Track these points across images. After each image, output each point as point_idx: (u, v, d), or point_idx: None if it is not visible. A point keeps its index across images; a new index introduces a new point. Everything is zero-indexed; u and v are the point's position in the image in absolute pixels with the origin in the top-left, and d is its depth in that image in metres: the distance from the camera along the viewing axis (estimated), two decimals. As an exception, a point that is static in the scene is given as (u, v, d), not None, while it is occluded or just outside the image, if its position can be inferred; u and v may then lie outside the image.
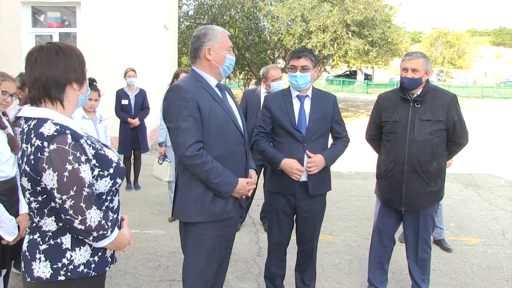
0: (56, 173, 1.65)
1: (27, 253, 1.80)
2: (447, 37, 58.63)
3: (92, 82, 4.68)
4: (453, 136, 3.36)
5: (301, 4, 18.16)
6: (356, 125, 17.09)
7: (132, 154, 7.09)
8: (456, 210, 6.30)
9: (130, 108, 6.89)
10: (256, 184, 2.90)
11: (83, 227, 1.70)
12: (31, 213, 1.80)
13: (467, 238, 5.20)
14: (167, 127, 2.54)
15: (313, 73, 3.18)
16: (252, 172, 2.79)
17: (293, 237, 3.42)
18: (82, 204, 1.68)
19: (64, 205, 1.67)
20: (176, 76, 5.33)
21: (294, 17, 18.32)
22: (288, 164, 3.08)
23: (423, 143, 3.27)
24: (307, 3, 18.19)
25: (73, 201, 1.67)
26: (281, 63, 22.66)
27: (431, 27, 73.60)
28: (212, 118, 2.49)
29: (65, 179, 1.66)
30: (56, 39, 10.23)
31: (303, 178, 3.15)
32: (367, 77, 44.18)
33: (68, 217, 1.68)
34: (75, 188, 1.66)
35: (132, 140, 6.91)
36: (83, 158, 1.71)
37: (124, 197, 6.53)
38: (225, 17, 20.58)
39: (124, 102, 6.85)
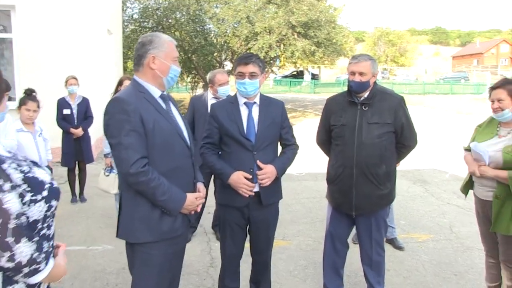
0: None
1: None
2: (389, 36, 60.76)
3: (30, 92, 4.41)
4: (402, 139, 3.36)
5: (246, 6, 18.15)
6: (305, 125, 17.27)
7: (77, 166, 6.76)
8: (406, 207, 6.43)
9: (73, 118, 6.56)
10: (206, 192, 2.80)
11: (12, 265, 1.50)
12: None
13: (418, 235, 5.30)
14: (109, 143, 2.38)
15: (261, 79, 3.10)
16: (200, 186, 2.67)
17: (247, 244, 3.33)
18: (9, 239, 1.48)
19: None
20: (120, 83, 5.11)
21: (239, 19, 18.28)
22: (235, 180, 2.98)
23: (371, 146, 3.24)
24: (253, 5, 18.21)
25: None
26: (228, 65, 22.56)
27: (373, 27, 75.91)
28: (156, 131, 2.36)
29: None
30: (-11, 45, 9.67)
31: (256, 188, 3.06)
32: (314, 76, 44.86)
33: None
34: None
35: (76, 151, 6.56)
36: (6, 186, 1.51)
37: (69, 211, 6.22)
38: (170, 20, 20.26)
39: (66, 111, 6.51)
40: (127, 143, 2.27)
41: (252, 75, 3.03)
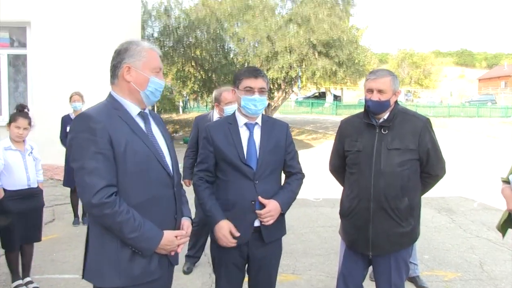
0: None
1: None
2: (413, 58, 60.07)
3: (22, 108, 4.11)
4: (428, 167, 2.90)
5: (267, 25, 17.89)
6: (325, 147, 16.78)
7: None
8: (430, 239, 5.89)
9: (76, 136, 6.26)
10: None
11: None
12: None
13: (443, 273, 4.76)
14: (71, 167, 2.01)
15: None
16: (184, 222, 2.27)
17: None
18: None
19: None
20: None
21: (260, 38, 18.04)
22: (220, 231, 2.61)
23: (391, 175, 2.79)
24: (273, 24, 17.96)
25: None
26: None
27: (397, 49, 75.25)
28: (128, 155, 1.99)
29: None
30: (4, 61, 9.58)
31: (256, 223, 2.65)
32: (336, 98, 44.38)
33: None
34: None
35: (79, 171, 6.25)
36: None
37: (69, 233, 5.89)
38: (190, 39, 20.16)
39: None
40: (91, 168, 1.91)
41: (262, 91, 2.66)
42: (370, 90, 2.85)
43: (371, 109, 2.87)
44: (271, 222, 2.62)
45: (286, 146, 2.80)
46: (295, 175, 2.84)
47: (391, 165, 2.80)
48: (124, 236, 1.95)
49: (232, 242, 2.62)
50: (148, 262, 2.05)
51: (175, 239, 2.10)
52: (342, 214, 3.06)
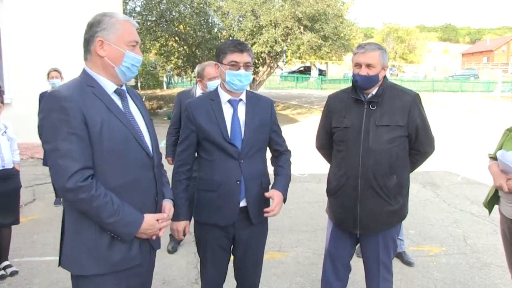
0: None
1: None
2: (398, 33, 60.08)
3: None
4: (417, 144, 2.81)
5: (251, -1, 17.58)
6: (310, 122, 16.73)
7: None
8: (415, 214, 5.89)
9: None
10: None
11: None
12: None
13: (429, 248, 4.78)
14: (43, 149, 1.88)
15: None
16: (166, 205, 2.17)
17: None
18: None
19: None
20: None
21: (244, 12, 17.72)
22: (177, 226, 2.60)
23: (380, 153, 2.71)
24: (258, -2, 17.64)
25: None
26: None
27: (382, 23, 75.05)
28: (104, 135, 1.86)
29: None
30: (-24, 37, 9.21)
31: (242, 203, 2.56)
32: (321, 72, 44.23)
33: None
34: None
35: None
36: None
37: (50, 214, 5.76)
38: (174, 13, 19.71)
39: (48, 106, 6.03)
40: (65, 150, 1.78)
41: (247, 66, 2.52)
42: (358, 65, 2.74)
43: (359, 84, 2.76)
44: (279, 212, 2.60)
45: (271, 124, 2.69)
46: (284, 155, 2.76)
47: (379, 142, 2.71)
48: (102, 221, 1.85)
49: (181, 238, 2.67)
50: (128, 247, 1.96)
51: (156, 223, 2.01)
52: (329, 192, 2.99)
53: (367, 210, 2.77)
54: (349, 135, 2.79)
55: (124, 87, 2.09)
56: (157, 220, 2.02)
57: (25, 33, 8.97)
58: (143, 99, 2.32)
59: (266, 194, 2.58)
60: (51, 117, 1.81)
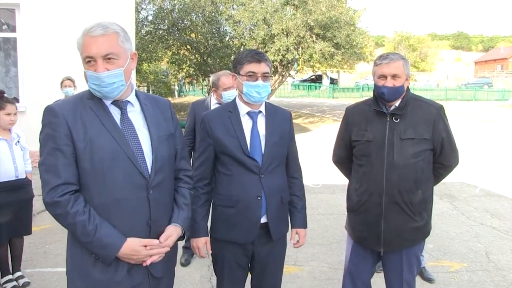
0: None
1: None
2: (410, 41, 59.76)
3: (2, 94, 3.88)
4: (441, 157, 2.72)
5: (263, 7, 17.52)
6: (322, 131, 16.61)
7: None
8: (433, 227, 5.64)
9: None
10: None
11: None
12: None
13: (449, 263, 4.63)
14: None
15: (272, 82, 2.49)
16: (167, 230, 1.99)
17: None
18: None
19: None
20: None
21: (256, 21, 17.69)
22: (197, 243, 2.54)
23: (405, 167, 2.60)
24: (270, 7, 17.60)
25: None
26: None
27: (393, 31, 74.85)
28: (89, 151, 1.81)
29: None
30: (-8, 45, 9.28)
31: (263, 219, 2.48)
32: (333, 81, 44.05)
33: None
34: None
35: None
36: None
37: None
38: (185, 22, 19.78)
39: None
40: (49, 164, 1.81)
41: (265, 76, 2.43)
42: (383, 76, 2.62)
43: (386, 97, 2.64)
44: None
45: (289, 139, 2.61)
46: (299, 181, 2.71)
47: (405, 156, 2.61)
48: (79, 240, 1.81)
49: (202, 256, 2.58)
50: (114, 270, 1.87)
51: (142, 249, 1.86)
52: (350, 209, 2.87)
53: (391, 227, 2.66)
54: (372, 149, 2.68)
55: (130, 98, 1.96)
56: (145, 246, 1.88)
57: (40, 42, 9.01)
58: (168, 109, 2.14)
59: (293, 245, 2.69)
60: (43, 132, 1.85)
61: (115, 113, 1.91)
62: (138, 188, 1.89)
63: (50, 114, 1.83)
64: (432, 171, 2.76)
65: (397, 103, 2.68)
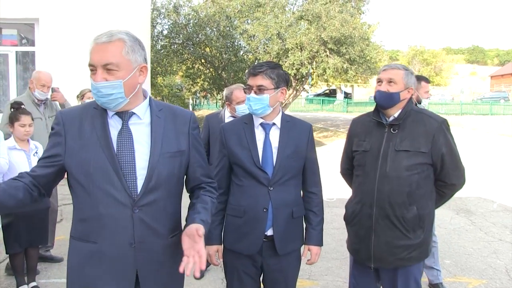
0: None
1: None
2: (424, 55, 59.58)
3: (19, 106, 3.95)
4: (442, 175, 2.62)
5: (277, 22, 17.65)
6: (336, 145, 16.52)
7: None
8: (450, 242, 5.65)
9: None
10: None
11: None
12: None
13: (468, 279, 4.53)
14: None
15: (275, 95, 2.47)
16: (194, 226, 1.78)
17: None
18: None
19: None
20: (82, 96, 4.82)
21: (270, 35, 17.81)
22: (209, 250, 2.54)
23: (397, 180, 2.54)
24: (284, 21, 17.73)
25: None
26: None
27: (407, 46, 74.69)
28: (76, 164, 1.81)
29: None
30: (12, 58, 9.47)
31: (269, 232, 2.46)
32: (347, 95, 44.02)
33: None
34: None
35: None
36: None
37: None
38: (200, 36, 20.00)
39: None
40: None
41: (260, 89, 2.42)
42: (379, 81, 2.64)
43: (377, 101, 2.64)
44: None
45: (307, 151, 2.58)
46: (317, 196, 2.64)
47: (397, 168, 2.55)
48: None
49: (214, 263, 2.60)
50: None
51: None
52: (346, 220, 2.85)
53: (381, 241, 2.60)
54: (367, 159, 2.66)
55: (138, 110, 1.86)
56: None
57: (58, 55, 9.17)
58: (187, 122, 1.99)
59: (307, 263, 2.66)
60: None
61: (116, 124, 1.84)
62: (122, 206, 1.78)
63: (56, 120, 1.88)
64: (434, 189, 2.68)
65: (396, 114, 2.64)
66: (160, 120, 1.89)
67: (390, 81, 2.59)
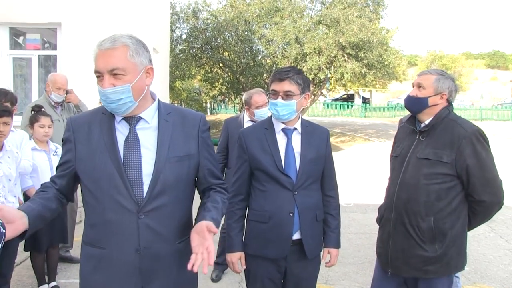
0: None
1: None
2: (443, 60, 59.01)
3: (39, 108, 4.07)
4: (470, 189, 2.48)
5: (295, 27, 17.70)
6: (354, 150, 16.47)
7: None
8: (469, 249, 5.46)
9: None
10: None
11: None
12: None
13: (488, 287, 4.47)
14: None
15: (301, 100, 2.47)
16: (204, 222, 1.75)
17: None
18: None
19: None
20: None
21: (288, 40, 17.85)
22: (232, 258, 2.55)
23: (415, 188, 2.51)
24: (302, 26, 17.75)
25: None
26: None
27: (426, 51, 74.10)
28: (84, 170, 1.84)
29: None
30: (35, 62, 9.67)
31: (296, 236, 2.47)
32: (365, 100, 43.76)
33: None
34: None
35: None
36: None
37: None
38: (219, 41, 20.15)
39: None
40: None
41: (287, 95, 2.42)
42: (413, 86, 2.65)
43: (405, 105, 2.66)
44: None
45: (326, 156, 2.60)
46: (334, 199, 2.65)
47: (416, 176, 2.52)
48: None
49: (237, 271, 2.61)
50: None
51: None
52: (377, 222, 2.90)
53: (397, 248, 2.61)
54: (395, 164, 2.69)
55: (143, 114, 1.83)
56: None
57: (80, 59, 9.31)
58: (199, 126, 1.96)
59: (326, 265, 2.64)
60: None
61: (123, 129, 1.83)
62: (127, 212, 1.77)
63: (66, 126, 1.90)
64: (464, 205, 2.57)
65: (427, 121, 2.60)
66: (168, 124, 1.87)
67: (419, 86, 2.57)
